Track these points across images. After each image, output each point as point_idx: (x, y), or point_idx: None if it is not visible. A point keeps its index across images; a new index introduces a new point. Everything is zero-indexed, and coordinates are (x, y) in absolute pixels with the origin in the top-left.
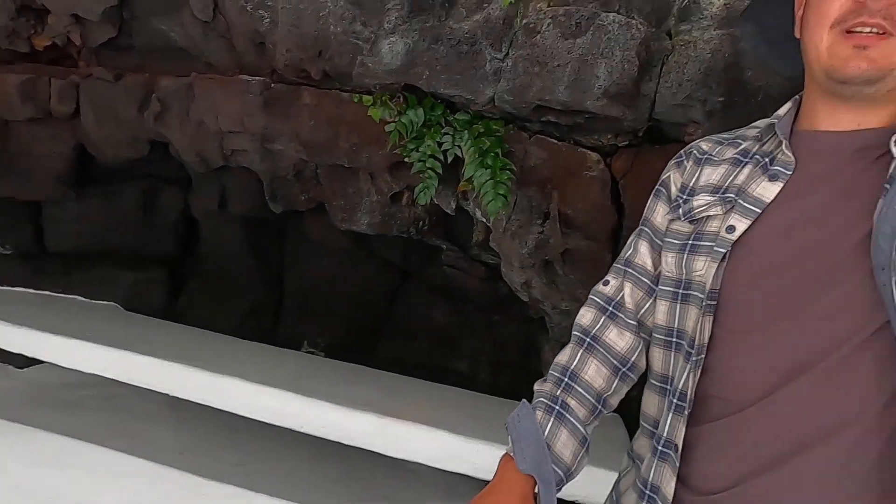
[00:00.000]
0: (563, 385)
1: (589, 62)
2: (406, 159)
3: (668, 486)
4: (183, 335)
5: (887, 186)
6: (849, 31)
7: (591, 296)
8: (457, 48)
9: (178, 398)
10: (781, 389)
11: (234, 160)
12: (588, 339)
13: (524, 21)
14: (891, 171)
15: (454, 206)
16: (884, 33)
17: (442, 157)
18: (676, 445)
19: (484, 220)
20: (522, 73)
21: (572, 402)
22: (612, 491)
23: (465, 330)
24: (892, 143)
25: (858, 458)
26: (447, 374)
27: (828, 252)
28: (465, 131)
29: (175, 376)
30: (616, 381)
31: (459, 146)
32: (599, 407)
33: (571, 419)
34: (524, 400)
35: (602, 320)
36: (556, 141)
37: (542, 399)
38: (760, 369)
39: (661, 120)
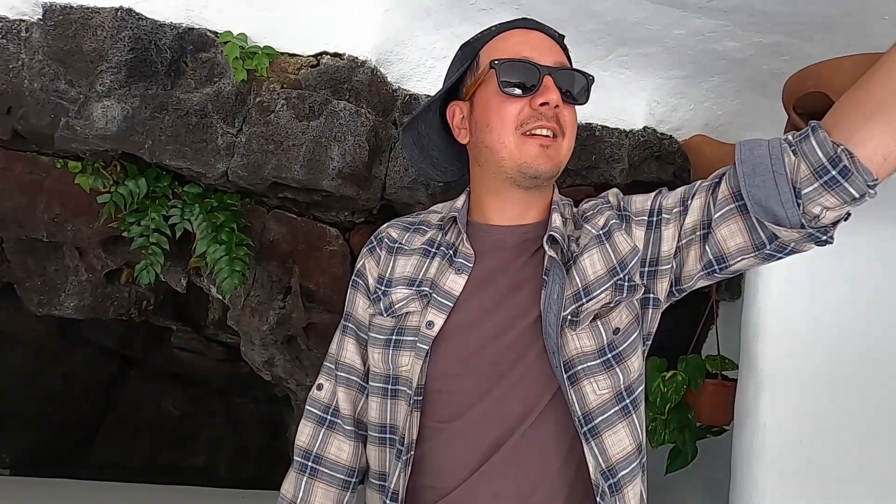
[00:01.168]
0: (306, 471)
1: (323, 144)
2: (125, 234)
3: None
4: None
5: (545, 278)
6: (531, 134)
7: (307, 406)
8: (185, 119)
9: None
10: (481, 469)
11: None
12: (310, 464)
13: (258, 99)
14: (545, 264)
15: (185, 284)
16: (555, 136)
17: (169, 232)
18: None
19: (220, 297)
20: (257, 150)
21: (318, 495)
22: None
23: (201, 418)
24: (545, 241)
25: None
26: (181, 472)
27: (507, 338)
28: (197, 205)
29: None
30: (347, 494)
31: (189, 220)
32: (347, 479)
33: (326, 470)
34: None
35: (321, 435)
36: (295, 216)
37: (296, 461)
38: (464, 453)
39: (392, 199)
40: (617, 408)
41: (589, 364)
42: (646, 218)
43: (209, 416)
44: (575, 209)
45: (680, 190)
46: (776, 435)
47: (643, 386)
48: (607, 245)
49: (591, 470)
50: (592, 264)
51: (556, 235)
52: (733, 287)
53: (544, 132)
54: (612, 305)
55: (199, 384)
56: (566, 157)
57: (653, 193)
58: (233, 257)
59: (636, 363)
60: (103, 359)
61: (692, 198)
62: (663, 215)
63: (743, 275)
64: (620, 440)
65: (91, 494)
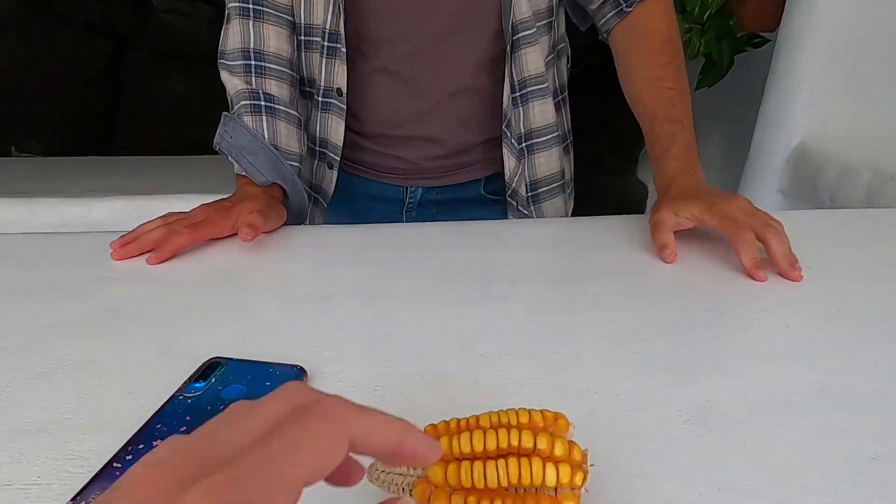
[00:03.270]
0: (252, 71)
1: None
2: None
3: (337, 133)
4: None
5: None
6: None
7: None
8: None
9: None
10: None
11: None
12: (250, 5)
13: None
14: None
15: None
16: None
17: None
18: (339, 89)
19: None
20: None
21: (272, 87)
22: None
23: (212, 96)
24: None
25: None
26: (206, 149)
27: None
28: None
29: None
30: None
31: None
32: (294, 74)
33: (281, 107)
34: (224, 113)
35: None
36: None
37: (242, 102)
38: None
39: None
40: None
41: None
42: None
43: (216, 91)
44: None
45: None
46: (826, 38)
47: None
48: None
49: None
50: None
51: None
52: None
53: None
54: None
55: (202, 62)
56: None
57: None
58: None
59: None
60: (94, 39)
61: None
62: None
63: None
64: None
65: (115, 166)
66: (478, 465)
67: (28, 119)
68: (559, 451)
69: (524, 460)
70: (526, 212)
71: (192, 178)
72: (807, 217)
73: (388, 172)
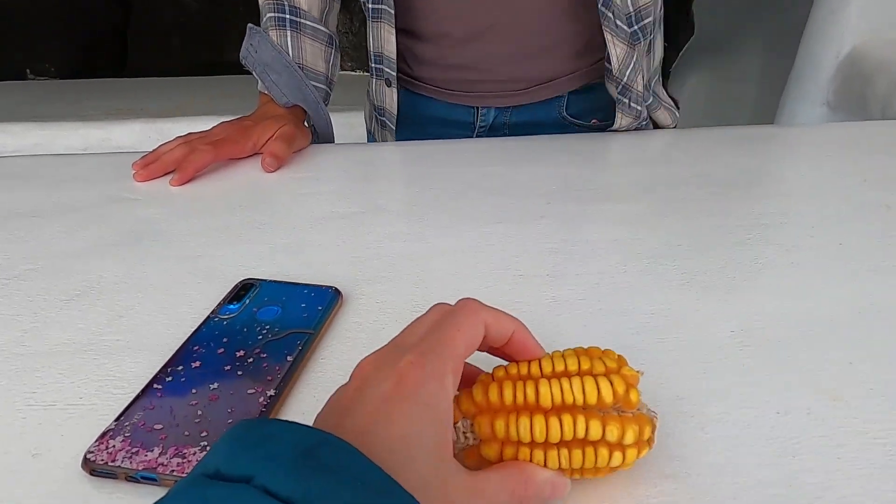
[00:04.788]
0: None
1: None
2: None
3: (390, 43)
4: None
5: None
6: None
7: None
8: None
9: None
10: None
11: None
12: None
13: None
14: None
15: None
16: None
17: None
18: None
19: None
20: None
21: (301, 1)
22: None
23: (225, 11)
24: None
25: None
26: (220, 67)
27: None
28: None
29: None
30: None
31: None
32: None
33: (309, 23)
34: (250, 25)
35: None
36: None
37: (269, 15)
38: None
39: None
40: None
41: None
42: None
43: (231, 6)
44: None
45: None
46: None
47: None
48: None
49: None
50: None
51: None
52: None
53: None
54: None
55: None
56: None
57: None
58: None
59: None
60: None
61: None
62: None
63: None
64: None
65: (132, 88)
66: (538, 452)
67: (41, 41)
68: (629, 439)
69: (589, 449)
70: (639, 107)
71: (211, 98)
72: (857, 129)
73: (453, 90)
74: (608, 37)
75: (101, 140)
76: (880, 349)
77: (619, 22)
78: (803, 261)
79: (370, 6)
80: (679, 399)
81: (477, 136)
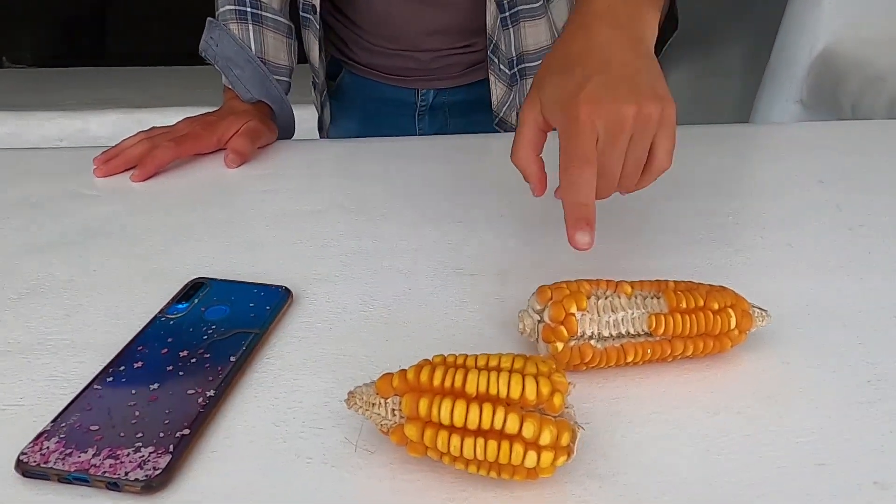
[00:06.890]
0: None
1: None
2: None
3: (313, 52)
4: None
5: None
6: None
7: None
8: None
9: None
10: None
11: None
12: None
13: None
14: None
15: None
16: None
17: None
18: (314, 6)
19: None
20: None
21: None
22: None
23: None
24: None
25: None
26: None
27: None
28: None
29: None
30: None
31: None
32: None
33: (270, 15)
34: (209, 19)
35: None
36: None
37: (227, 7)
38: None
39: None
40: None
41: None
42: None
43: None
44: None
45: None
46: None
47: None
48: None
49: None
50: None
51: None
52: None
53: None
54: None
55: None
56: None
57: None
58: None
59: None
60: None
61: None
62: None
63: None
64: None
65: (111, 77)
66: (455, 438)
67: (16, 28)
68: (545, 440)
69: (504, 443)
70: None
71: (190, 89)
72: (824, 129)
73: (396, 75)
74: (491, 78)
75: (78, 130)
76: (815, 349)
77: (502, 66)
78: (753, 261)
79: (300, 14)
80: (614, 399)
81: (419, 116)
